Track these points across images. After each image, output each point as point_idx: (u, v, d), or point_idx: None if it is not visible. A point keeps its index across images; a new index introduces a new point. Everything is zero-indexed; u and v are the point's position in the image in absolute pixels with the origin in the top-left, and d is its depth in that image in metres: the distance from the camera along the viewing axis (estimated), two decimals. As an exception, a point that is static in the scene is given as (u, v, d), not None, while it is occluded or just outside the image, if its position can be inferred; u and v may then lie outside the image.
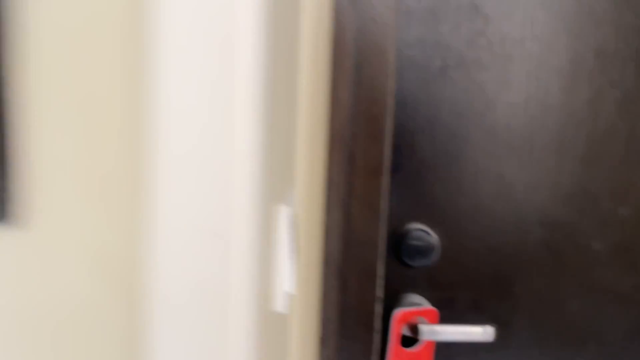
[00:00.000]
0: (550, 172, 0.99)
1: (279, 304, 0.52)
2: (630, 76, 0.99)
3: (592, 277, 1.03)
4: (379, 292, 0.91)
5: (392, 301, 1.02)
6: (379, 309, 0.92)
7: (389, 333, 0.98)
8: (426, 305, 1.03)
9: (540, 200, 0.99)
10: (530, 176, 0.99)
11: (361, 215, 0.89)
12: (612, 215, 1.00)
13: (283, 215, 0.52)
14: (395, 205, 0.98)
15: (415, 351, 1.01)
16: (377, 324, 0.92)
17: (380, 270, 0.91)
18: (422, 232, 0.99)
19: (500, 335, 1.04)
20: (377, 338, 0.91)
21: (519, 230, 1.00)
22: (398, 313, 0.97)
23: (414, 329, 0.98)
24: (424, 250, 1.00)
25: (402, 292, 1.02)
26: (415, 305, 1.03)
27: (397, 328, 0.98)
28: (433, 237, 1.00)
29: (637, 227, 1.01)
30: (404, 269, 1.01)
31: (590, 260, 1.02)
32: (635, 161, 0.99)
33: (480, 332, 0.97)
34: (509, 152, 0.98)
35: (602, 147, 0.98)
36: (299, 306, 0.91)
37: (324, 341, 0.91)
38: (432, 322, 1.00)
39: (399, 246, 0.99)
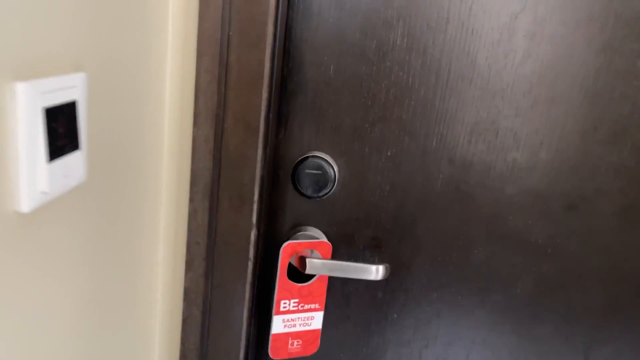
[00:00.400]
0: (467, 106, 0.86)
1: (25, 204, 0.45)
2: None
3: (502, 224, 0.92)
4: (254, 217, 0.83)
5: (287, 233, 0.94)
6: (254, 235, 0.84)
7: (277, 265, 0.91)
8: (322, 239, 0.95)
9: (453, 136, 0.87)
10: (445, 108, 0.86)
11: (235, 132, 0.80)
12: (530, 159, 0.88)
13: (24, 96, 0.43)
14: (297, 129, 0.88)
15: (306, 285, 0.94)
16: (252, 252, 0.84)
17: (256, 194, 0.82)
18: (321, 160, 0.89)
19: (398, 276, 0.95)
20: (250, 267, 0.84)
21: (426, 166, 0.89)
22: (287, 244, 0.89)
23: (303, 262, 0.90)
24: (320, 181, 0.90)
25: (301, 224, 0.93)
26: (310, 239, 0.95)
27: (285, 259, 0.91)
28: (332, 167, 0.90)
29: (555, 173, 0.88)
30: (303, 201, 0.92)
31: (501, 206, 0.91)
32: (560, 102, 0.85)
33: (371, 270, 0.89)
34: (424, 79, 0.85)
35: (524, 86, 0.84)
36: (166, 226, 0.84)
37: (189, 264, 0.84)
38: (325, 257, 0.92)
39: (295, 175, 0.89)
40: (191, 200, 0.81)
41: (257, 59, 0.76)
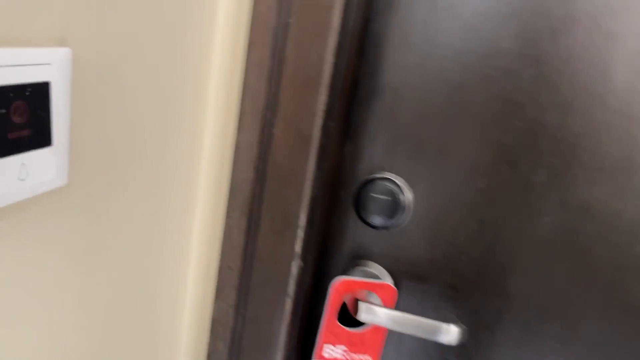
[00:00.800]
0: (594, 133, 0.64)
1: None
2: None
3: (625, 292, 0.68)
4: (298, 246, 0.68)
5: (343, 266, 0.78)
6: (296, 267, 0.69)
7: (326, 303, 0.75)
8: (386, 280, 0.77)
9: (569, 170, 0.66)
10: (562, 134, 0.65)
11: (284, 140, 0.65)
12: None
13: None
14: (367, 143, 0.72)
15: (358, 333, 0.77)
16: (292, 287, 0.69)
17: (302, 218, 0.67)
18: (393, 184, 0.73)
19: (478, 340, 0.75)
20: (289, 305, 0.69)
21: (529, 205, 0.69)
22: (339, 281, 0.73)
23: (357, 306, 0.74)
24: (389, 208, 0.74)
25: (361, 258, 0.77)
26: (370, 277, 0.78)
27: (335, 298, 0.75)
28: (406, 193, 0.72)
29: None
30: (367, 230, 0.76)
31: (627, 269, 0.67)
32: None
33: (442, 330, 0.70)
34: (537, 94, 0.65)
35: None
36: (199, 243, 0.72)
37: (219, 291, 0.71)
38: (387, 302, 0.75)
39: (359, 199, 0.73)
40: (228, 216, 0.68)
41: (317, 52, 0.62)
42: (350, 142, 0.72)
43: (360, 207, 0.74)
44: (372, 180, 0.73)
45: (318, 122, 0.64)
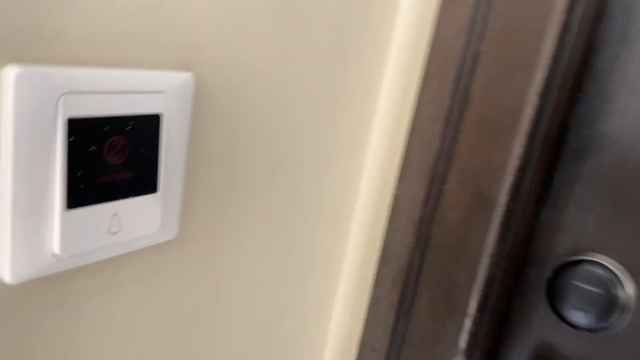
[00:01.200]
0: None
1: (7, 271, 0.27)
2: None
3: None
4: (463, 340, 0.52)
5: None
6: (457, 366, 0.53)
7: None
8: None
9: None
10: None
11: (458, 200, 0.51)
12: None
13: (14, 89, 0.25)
14: (573, 212, 0.54)
15: None
16: (450, 389, 0.53)
17: (472, 305, 0.51)
18: (606, 270, 0.53)
19: None
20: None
21: None
22: (515, 387, 0.56)
23: None
24: (598, 304, 0.54)
25: None
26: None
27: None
28: (625, 286, 0.52)
29: None
30: (561, 329, 0.57)
31: None
32: None
33: None
34: None
35: None
36: (339, 313, 0.59)
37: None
38: None
39: (554, 285, 0.55)
40: (377, 285, 0.55)
41: (516, 91, 0.46)
42: (548, 209, 0.54)
43: (555, 297, 0.56)
44: (577, 263, 0.54)
45: (507, 180, 0.48)
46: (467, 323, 0.51)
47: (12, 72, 0.25)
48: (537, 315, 0.56)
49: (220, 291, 0.43)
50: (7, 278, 0.27)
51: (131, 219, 0.32)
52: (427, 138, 0.50)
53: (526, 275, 0.55)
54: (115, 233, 0.31)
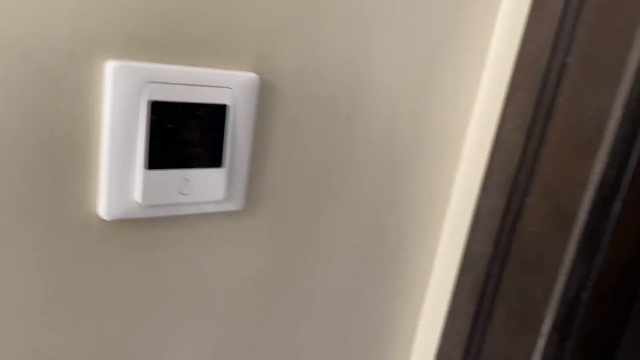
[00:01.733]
0: None
1: (103, 209, 0.38)
2: None
3: None
4: (536, 358, 0.50)
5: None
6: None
7: None
8: None
9: None
10: None
11: (539, 214, 0.49)
12: None
13: (113, 79, 0.35)
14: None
15: None
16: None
17: (547, 323, 0.49)
18: None
19: None
20: None
21: None
22: None
23: None
24: None
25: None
26: None
27: None
28: None
29: None
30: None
31: None
32: None
33: None
34: None
35: None
36: (420, 322, 0.61)
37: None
38: None
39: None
40: (455, 294, 0.56)
41: (601, 103, 0.44)
42: (651, 237, 0.49)
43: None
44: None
45: (588, 197, 0.46)
46: (540, 343, 0.49)
47: (111, 65, 0.35)
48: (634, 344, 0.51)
49: (288, 266, 0.49)
50: (104, 215, 0.38)
51: (199, 185, 0.40)
52: (509, 149, 0.51)
53: (623, 298, 0.51)
54: (185, 195, 0.40)
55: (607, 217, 0.47)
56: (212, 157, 0.40)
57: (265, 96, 0.42)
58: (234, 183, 0.43)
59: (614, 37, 0.44)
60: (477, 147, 0.54)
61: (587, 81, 0.46)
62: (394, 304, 0.58)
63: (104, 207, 0.38)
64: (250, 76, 0.41)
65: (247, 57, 0.41)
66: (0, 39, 0.32)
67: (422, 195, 0.54)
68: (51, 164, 0.36)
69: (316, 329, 0.53)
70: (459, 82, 0.52)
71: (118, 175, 0.38)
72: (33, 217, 0.36)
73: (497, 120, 0.52)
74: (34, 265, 0.37)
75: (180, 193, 0.40)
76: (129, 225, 0.40)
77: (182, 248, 0.43)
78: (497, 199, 0.52)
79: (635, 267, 0.52)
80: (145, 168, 0.38)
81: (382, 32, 0.45)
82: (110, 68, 0.36)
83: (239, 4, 0.39)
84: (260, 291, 0.49)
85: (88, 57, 0.35)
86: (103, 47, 0.35)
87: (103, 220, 0.39)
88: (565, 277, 0.47)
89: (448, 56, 0.50)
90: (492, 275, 0.53)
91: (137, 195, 0.38)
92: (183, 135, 0.39)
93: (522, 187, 0.50)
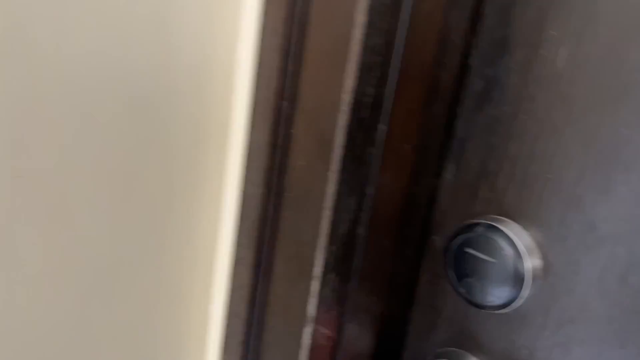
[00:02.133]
0: None
1: None
2: None
3: None
4: (311, 307, 0.45)
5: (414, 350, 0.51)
6: (307, 335, 0.46)
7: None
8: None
9: None
10: None
11: (304, 145, 0.44)
12: None
13: None
14: (476, 169, 0.45)
15: None
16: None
17: (317, 265, 0.44)
18: (502, 237, 0.44)
19: None
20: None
21: None
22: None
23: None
24: (491, 276, 0.45)
25: (445, 344, 0.50)
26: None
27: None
28: (526, 256, 0.43)
29: None
30: (456, 303, 0.48)
31: None
32: None
33: None
34: None
35: None
36: (203, 279, 0.55)
37: (225, 348, 0.53)
38: None
39: (448, 252, 0.47)
40: (238, 244, 0.50)
41: (345, 9, 0.39)
42: (452, 166, 0.45)
43: (449, 269, 0.47)
44: (470, 228, 0.45)
45: (343, 120, 0.40)
46: (314, 287, 0.44)
47: None
48: (432, 290, 0.48)
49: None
50: None
51: None
52: (269, 75, 0.44)
53: (432, 241, 0.47)
54: None
55: (372, 141, 0.43)
56: None
57: None
58: None
59: None
60: (244, 75, 0.48)
61: (335, -14, 0.40)
62: (186, 263, 0.51)
63: None
64: None
65: None
66: None
67: (197, 133, 0.47)
68: None
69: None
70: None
71: None
72: None
73: (256, 42, 0.45)
74: None
75: None
76: None
77: None
78: (262, 134, 0.46)
79: (422, 192, 0.48)
80: None
81: None
82: None
83: None
84: None
85: None
86: None
87: None
88: (331, 212, 0.43)
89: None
90: (268, 218, 0.47)
91: None
92: None
93: (287, 117, 0.44)
